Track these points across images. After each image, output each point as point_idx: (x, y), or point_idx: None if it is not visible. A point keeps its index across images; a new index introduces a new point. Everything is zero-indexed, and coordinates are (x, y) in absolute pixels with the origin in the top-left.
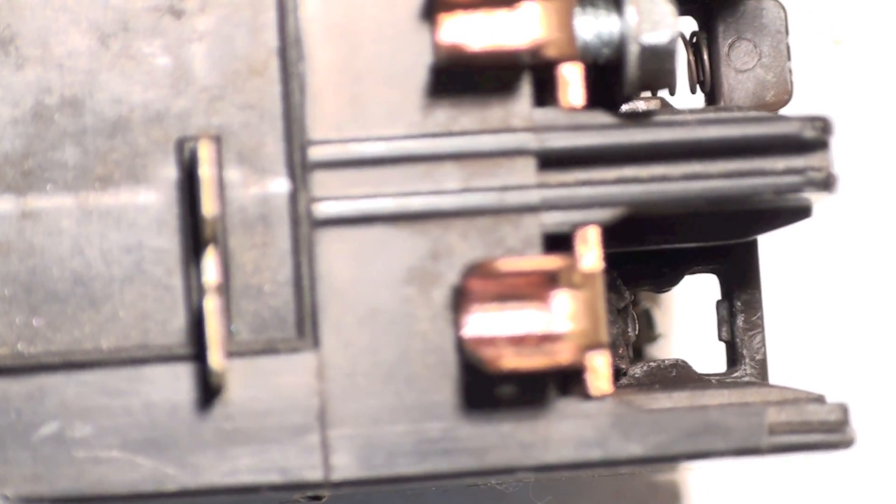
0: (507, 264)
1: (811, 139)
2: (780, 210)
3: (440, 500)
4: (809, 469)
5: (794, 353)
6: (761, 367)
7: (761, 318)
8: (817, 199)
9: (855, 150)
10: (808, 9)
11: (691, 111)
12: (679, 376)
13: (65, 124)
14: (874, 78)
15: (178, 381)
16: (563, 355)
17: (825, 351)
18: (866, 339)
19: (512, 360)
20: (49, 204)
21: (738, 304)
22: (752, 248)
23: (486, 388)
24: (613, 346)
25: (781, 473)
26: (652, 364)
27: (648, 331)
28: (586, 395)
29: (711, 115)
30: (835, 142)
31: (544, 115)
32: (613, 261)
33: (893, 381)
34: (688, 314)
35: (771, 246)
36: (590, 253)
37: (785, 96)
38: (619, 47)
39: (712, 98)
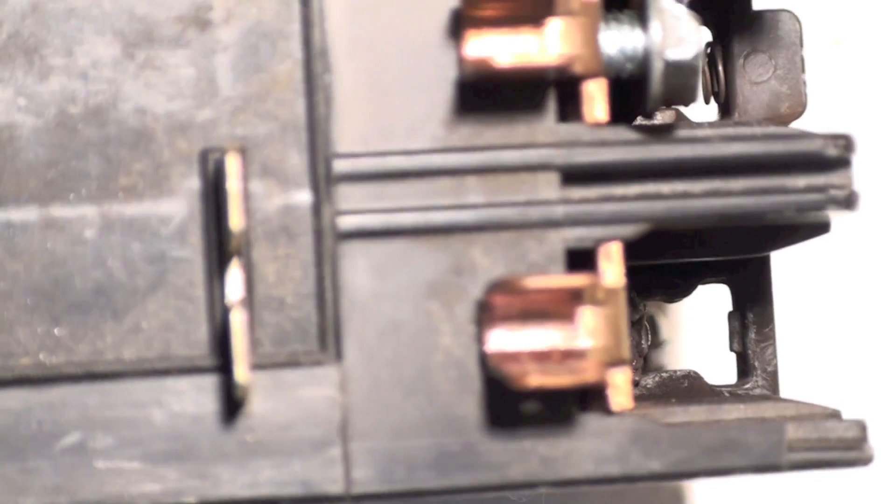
0: (533, 282)
1: (833, 157)
2: (800, 226)
3: None
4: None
5: (803, 365)
6: (773, 379)
7: (773, 329)
8: (836, 216)
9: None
10: (808, 9)
11: (710, 124)
12: (691, 387)
13: (88, 134)
14: (874, 78)
15: (200, 393)
16: (588, 373)
17: (835, 363)
18: (876, 351)
19: (537, 378)
20: (72, 214)
21: (751, 315)
22: (764, 261)
23: (508, 403)
24: None
25: (784, 475)
26: (664, 374)
27: (653, 337)
28: (607, 411)
29: (732, 132)
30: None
31: (568, 130)
32: (627, 273)
33: None
34: (696, 323)
35: (782, 258)
36: (612, 268)
37: (799, 108)
38: (643, 63)
39: (726, 109)
